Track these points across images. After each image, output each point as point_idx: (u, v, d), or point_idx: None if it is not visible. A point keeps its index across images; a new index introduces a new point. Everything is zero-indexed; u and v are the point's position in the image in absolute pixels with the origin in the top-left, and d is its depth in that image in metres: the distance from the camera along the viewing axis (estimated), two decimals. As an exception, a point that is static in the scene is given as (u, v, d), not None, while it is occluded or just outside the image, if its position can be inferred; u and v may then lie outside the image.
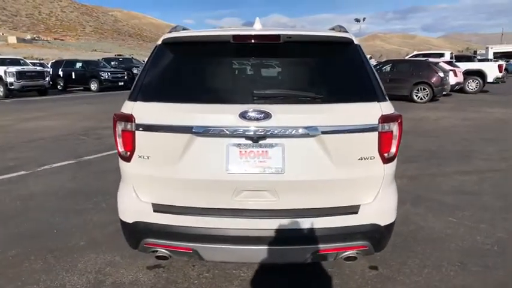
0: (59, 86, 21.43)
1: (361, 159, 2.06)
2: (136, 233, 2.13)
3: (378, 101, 2.10)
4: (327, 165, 2.01)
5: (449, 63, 16.54)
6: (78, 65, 21.57)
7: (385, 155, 2.09)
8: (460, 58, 20.97)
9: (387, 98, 2.16)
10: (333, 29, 2.53)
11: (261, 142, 1.98)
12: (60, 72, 21.37)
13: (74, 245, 3.19)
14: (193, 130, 1.98)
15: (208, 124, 1.98)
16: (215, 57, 2.23)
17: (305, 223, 2.00)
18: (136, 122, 2.07)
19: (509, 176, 5.01)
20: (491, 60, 22.22)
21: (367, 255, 2.19)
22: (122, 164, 2.21)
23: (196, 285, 2.60)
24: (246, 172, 1.99)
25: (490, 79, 17.61)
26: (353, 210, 2.06)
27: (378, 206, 2.11)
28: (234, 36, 2.10)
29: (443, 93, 14.53)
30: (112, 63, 24.16)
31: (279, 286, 2.60)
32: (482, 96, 16.33)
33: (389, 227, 2.16)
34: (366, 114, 2.05)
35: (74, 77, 21.04)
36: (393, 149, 2.11)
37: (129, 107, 2.12)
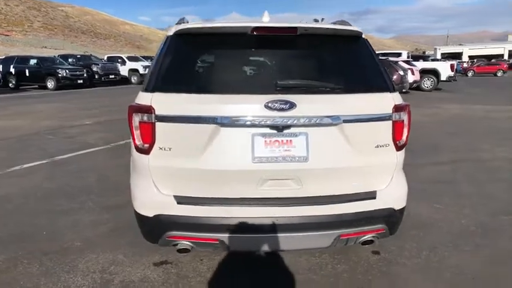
0: (10, 84, 20.06)
1: (378, 146, 2.16)
2: (158, 227, 2.09)
3: (390, 92, 2.21)
4: (347, 153, 2.09)
5: (407, 62, 17.43)
6: (33, 61, 20.25)
7: (398, 142, 2.21)
8: (417, 58, 22.18)
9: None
10: (334, 23, 2.62)
11: (285, 131, 2.03)
12: (12, 69, 20.01)
13: (69, 246, 3.04)
14: (218, 121, 1.98)
15: (233, 114, 1.99)
16: (233, 49, 2.24)
17: (328, 209, 2.07)
18: (157, 113, 2.03)
19: (478, 165, 5.41)
20: (442, 60, 23.70)
21: (382, 238, 2.30)
22: (138, 156, 2.15)
23: (208, 278, 2.59)
24: (271, 161, 2.02)
25: (443, 77, 18.76)
26: (371, 195, 2.15)
27: (392, 191, 2.22)
28: (253, 28, 2.11)
29: (403, 90, 15.29)
30: (69, 60, 23.01)
31: (295, 271, 2.65)
32: (437, 93, 17.38)
33: (402, 210, 2.28)
34: (381, 104, 2.15)
35: (27, 74, 19.75)
36: (404, 137, 2.24)
37: (147, 98, 2.07)
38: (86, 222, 3.50)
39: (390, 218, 2.20)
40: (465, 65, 41.99)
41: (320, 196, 2.10)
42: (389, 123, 2.16)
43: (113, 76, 22.58)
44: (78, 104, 13.17)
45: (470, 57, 51.43)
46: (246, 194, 2.06)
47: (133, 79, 23.78)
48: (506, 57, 51.35)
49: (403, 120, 2.21)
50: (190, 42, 2.22)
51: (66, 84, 19.39)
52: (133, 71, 23.86)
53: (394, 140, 2.19)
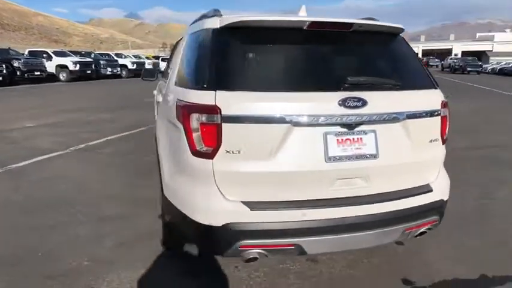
0: None
1: (431, 141, 2.23)
2: (229, 236, 1.91)
3: (435, 88, 2.30)
4: (409, 148, 2.13)
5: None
6: None
7: (444, 136, 2.31)
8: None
9: None
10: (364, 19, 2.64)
11: (356, 129, 1.99)
12: None
13: (77, 266, 2.67)
14: (292, 120, 1.88)
15: (308, 113, 1.90)
16: (290, 44, 2.13)
17: (395, 205, 2.08)
18: (223, 113, 1.86)
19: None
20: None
21: (434, 228, 2.38)
22: (196, 161, 1.95)
23: (254, 285, 2.46)
24: (344, 160, 1.98)
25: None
26: (429, 188, 2.22)
27: (441, 183, 2.31)
28: (311, 23, 2.04)
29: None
30: (-17, 54, 20.25)
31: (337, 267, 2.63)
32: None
33: (447, 201, 2.39)
34: (432, 99, 2.23)
35: None
36: (447, 131, 2.34)
37: (208, 97, 1.88)
38: (84, 236, 3.12)
39: (441, 209, 2.28)
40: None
41: (386, 192, 2.10)
42: (439, 118, 2.24)
43: (38, 73, 20.32)
44: (7, 105, 11.70)
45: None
46: (319, 195, 1.99)
47: (62, 76, 21.77)
48: (420, 55, 57.06)
49: (446, 115, 2.30)
50: (244, 36, 2.07)
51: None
52: (62, 67, 21.81)
53: (442, 134, 2.28)
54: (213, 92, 1.89)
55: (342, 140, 1.98)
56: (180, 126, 2.04)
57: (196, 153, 1.94)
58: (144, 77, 4.84)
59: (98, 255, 2.83)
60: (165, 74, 3.94)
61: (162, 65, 32.31)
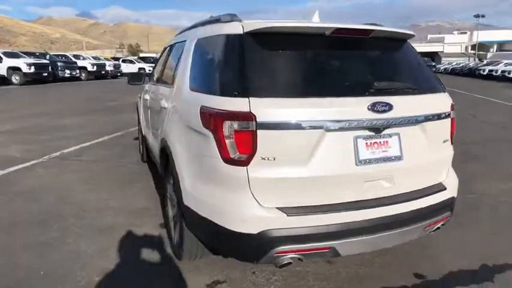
0: None
1: (443, 141, 2.36)
2: (265, 243, 1.90)
3: (444, 92, 2.43)
4: (427, 148, 2.24)
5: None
6: None
7: (452, 137, 2.44)
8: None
9: None
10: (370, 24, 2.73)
11: (382, 133, 2.06)
12: None
13: (87, 284, 2.53)
14: (326, 125, 1.91)
15: (340, 118, 1.94)
16: (315, 49, 2.16)
17: (417, 203, 2.17)
18: (258, 120, 1.85)
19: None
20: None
21: (446, 223, 2.50)
22: (231, 169, 1.93)
23: (273, 289, 2.47)
24: (373, 163, 2.04)
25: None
26: (443, 187, 2.34)
27: (451, 181, 2.44)
28: (336, 29, 2.08)
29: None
30: None
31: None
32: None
33: (456, 197, 2.53)
34: (444, 102, 2.35)
35: None
36: (454, 132, 2.48)
37: (242, 104, 1.87)
38: (86, 250, 2.96)
39: (452, 206, 2.41)
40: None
41: (409, 192, 2.19)
42: (449, 120, 2.37)
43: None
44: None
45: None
46: (350, 197, 2.04)
47: (15, 79, 20.47)
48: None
49: (454, 117, 2.44)
50: (270, 42, 2.07)
51: None
52: (14, 69, 20.50)
53: (451, 134, 2.41)
54: (246, 99, 1.88)
55: (371, 143, 2.04)
56: (208, 133, 2.01)
57: (230, 161, 1.92)
58: (130, 81, 4.68)
59: (108, 269, 2.70)
60: (160, 78, 3.82)
61: (123, 67, 31.46)
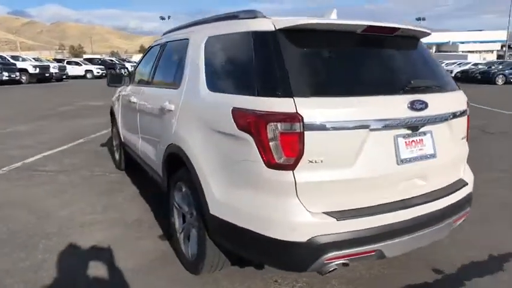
0: None
1: (462, 138, 2.41)
2: (315, 251, 1.80)
3: (459, 89, 2.49)
4: (453, 145, 2.28)
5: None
6: None
7: (468, 133, 2.51)
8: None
9: None
10: None
11: (418, 131, 2.05)
12: None
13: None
14: (371, 124, 1.86)
15: (384, 117, 1.90)
16: (348, 47, 2.10)
17: (448, 200, 2.19)
18: (305, 121, 1.75)
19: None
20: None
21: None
22: (276, 174, 1.80)
23: (305, 298, 2.38)
24: (412, 161, 2.02)
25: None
26: (465, 182, 2.39)
27: (468, 176, 2.50)
28: (368, 27, 2.04)
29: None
30: None
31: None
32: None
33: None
34: (462, 100, 2.41)
35: None
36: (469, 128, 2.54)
37: (289, 105, 1.76)
38: (83, 272, 2.66)
39: (471, 201, 2.48)
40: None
41: (440, 189, 2.20)
42: (466, 117, 2.43)
43: None
44: None
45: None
46: (392, 198, 2.00)
47: None
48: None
49: (469, 114, 2.51)
50: (303, 39, 1.97)
51: None
52: None
53: (467, 131, 2.48)
54: (291, 99, 1.77)
55: (409, 142, 2.02)
56: (247, 136, 1.87)
57: (274, 165, 1.80)
58: (110, 83, 4.34)
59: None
60: (151, 79, 3.55)
61: (69, 69, 29.50)
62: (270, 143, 1.78)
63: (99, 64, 34.80)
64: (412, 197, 2.07)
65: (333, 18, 2.43)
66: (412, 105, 1.97)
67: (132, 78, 4.31)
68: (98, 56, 52.18)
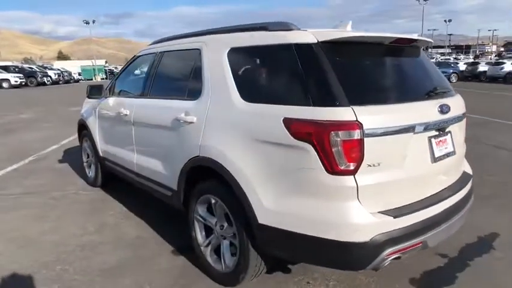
0: None
1: (463, 135, 2.73)
2: (376, 248, 1.93)
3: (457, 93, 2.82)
4: (462, 142, 2.59)
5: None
6: None
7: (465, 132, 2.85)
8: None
9: None
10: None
11: (444, 131, 2.31)
12: None
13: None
14: (415, 128, 2.06)
15: (424, 121, 2.12)
16: (381, 57, 2.31)
17: (464, 191, 2.48)
18: (365, 128, 1.88)
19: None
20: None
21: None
22: (337, 179, 1.90)
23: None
24: (442, 159, 2.27)
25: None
26: (471, 175, 2.71)
27: (469, 169, 2.84)
28: (396, 39, 2.25)
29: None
30: None
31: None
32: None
33: None
34: (462, 102, 2.72)
35: None
36: None
37: (349, 114, 1.88)
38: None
39: (473, 192, 2.81)
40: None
41: (456, 181, 2.49)
42: (465, 117, 2.76)
43: None
44: None
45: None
46: (429, 192, 2.22)
47: None
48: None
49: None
50: (345, 51, 2.11)
51: None
52: None
53: (465, 130, 2.81)
54: (350, 108, 1.89)
55: (438, 141, 2.27)
56: (305, 145, 1.94)
57: (337, 172, 1.90)
58: (90, 95, 4.06)
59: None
60: (149, 91, 3.39)
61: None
62: (333, 150, 1.88)
63: (17, 72, 31.64)
64: (442, 190, 2.32)
65: (348, 30, 2.60)
66: (441, 109, 2.21)
67: (112, 90, 4.08)
68: (8, 63, 46.81)
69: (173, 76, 3.24)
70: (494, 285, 2.58)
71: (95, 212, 3.96)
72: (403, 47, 2.42)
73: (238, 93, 2.36)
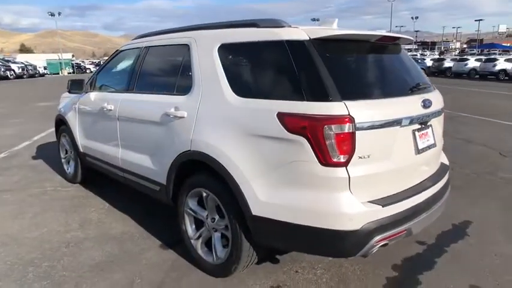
0: None
1: (442, 129, 2.90)
2: (366, 236, 2.03)
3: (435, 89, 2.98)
4: (440, 135, 2.74)
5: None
6: None
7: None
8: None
9: None
10: None
11: (426, 125, 2.44)
12: None
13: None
14: (402, 122, 2.18)
15: (409, 115, 2.24)
16: (368, 54, 2.40)
17: (443, 180, 2.64)
18: (356, 121, 1.98)
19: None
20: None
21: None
22: (330, 171, 1.99)
23: (324, 283, 2.61)
24: (424, 151, 2.40)
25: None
26: (447, 165, 2.88)
27: (446, 160, 3.01)
28: (383, 37, 2.36)
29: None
30: None
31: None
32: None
33: None
34: (441, 98, 2.88)
35: None
36: None
37: (341, 108, 1.96)
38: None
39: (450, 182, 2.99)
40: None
41: (436, 172, 2.64)
42: (443, 112, 2.92)
43: None
44: None
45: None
46: (413, 182, 2.35)
47: None
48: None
49: None
50: (335, 48, 2.18)
51: None
52: None
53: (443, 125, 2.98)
54: (342, 102, 1.97)
55: (421, 134, 2.40)
56: (299, 138, 2.01)
57: (330, 163, 1.98)
58: (71, 90, 3.95)
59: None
60: (133, 86, 3.35)
61: None
62: (327, 143, 1.96)
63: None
64: (424, 180, 2.46)
65: (334, 28, 2.69)
66: (424, 104, 2.34)
67: (93, 85, 3.99)
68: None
69: (161, 71, 3.22)
70: (468, 268, 2.77)
71: (77, 208, 3.88)
72: (387, 45, 2.54)
73: (230, 89, 2.39)
